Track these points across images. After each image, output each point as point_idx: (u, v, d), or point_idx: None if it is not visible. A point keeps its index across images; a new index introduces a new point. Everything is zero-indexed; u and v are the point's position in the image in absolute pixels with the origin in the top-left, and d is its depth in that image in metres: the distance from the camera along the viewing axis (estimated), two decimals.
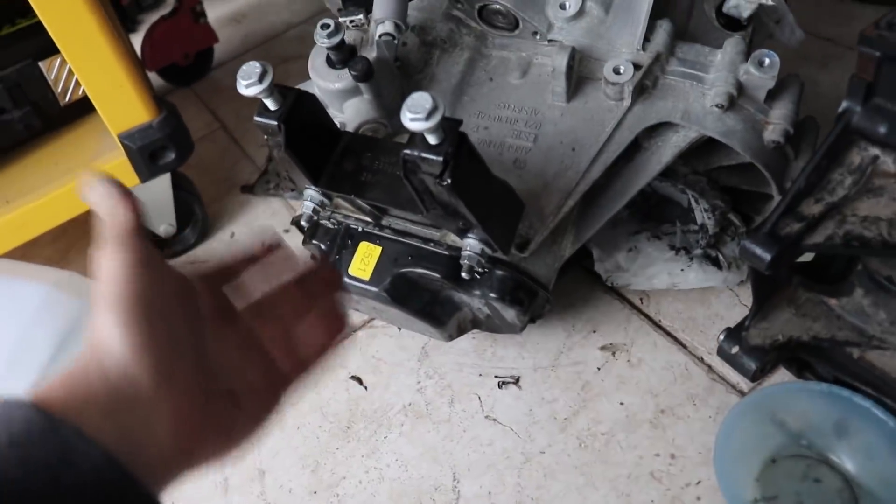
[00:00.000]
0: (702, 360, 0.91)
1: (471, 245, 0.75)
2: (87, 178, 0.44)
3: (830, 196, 0.76)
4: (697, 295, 0.97)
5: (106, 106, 1.07)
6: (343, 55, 0.81)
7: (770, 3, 0.89)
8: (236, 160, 1.42)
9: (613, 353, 0.94)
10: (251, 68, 0.66)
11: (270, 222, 1.25)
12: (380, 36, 0.81)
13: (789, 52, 1.00)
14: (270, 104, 0.69)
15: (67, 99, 1.21)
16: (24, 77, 1.16)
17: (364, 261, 0.84)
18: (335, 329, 0.54)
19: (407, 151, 0.62)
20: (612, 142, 0.81)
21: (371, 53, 0.82)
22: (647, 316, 0.96)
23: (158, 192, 1.18)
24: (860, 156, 0.76)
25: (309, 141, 0.73)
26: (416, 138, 0.62)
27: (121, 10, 1.77)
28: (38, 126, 1.21)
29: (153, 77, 1.62)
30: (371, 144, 0.77)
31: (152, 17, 1.99)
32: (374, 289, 0.82)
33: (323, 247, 0.88)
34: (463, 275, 0.77)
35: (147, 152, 1.11)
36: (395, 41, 0.81)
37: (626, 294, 0.99)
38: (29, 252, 1.29)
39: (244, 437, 0.44)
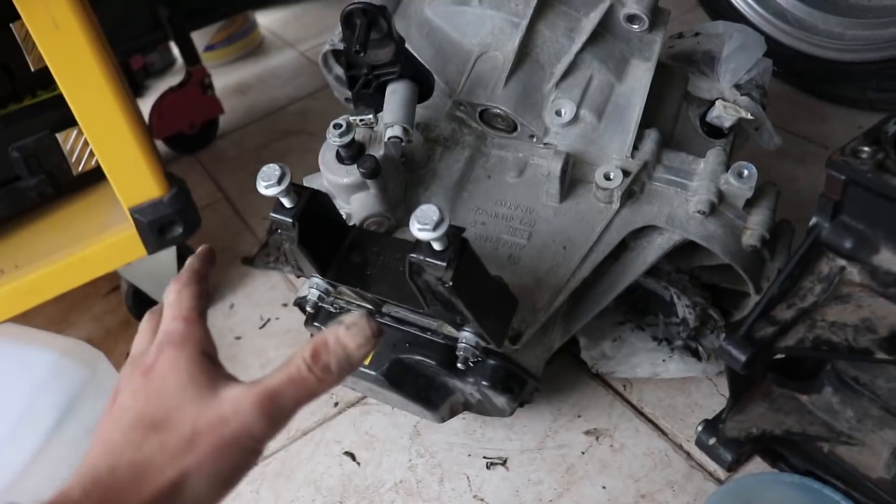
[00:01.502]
0: (681, 447, 0.96)
1: (466, 338, 0.80)
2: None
3: (802, 302, 0.81)
4: (678, 383, 1.02)
5: (120, 182, 1.13)
6: (352, 152, 0.87)
7: (749, 117, 0.96)
8: (237, 231, 1.47)
9: (597, 438, 0.98)
10: (271, 171, 0.72)
11: (270, 295, 1.30)
12: (388, 138, 0.87)
13: (769, 151, 1.08)
14: (286, 202, 0.74)
15: (80, 168, 1.26)
16: (42, 147, 1.21)
17: None
18: None
19: (413, 256, 0.68)
20: (601, 242, 0.87)
21: (378, 151, 0.88)
22: (629, 402, 1.01)
23: (163, 263, 1.23)
24: (829, 266, 0.82)
25: (319, 235, 0.79)
26: (422, 244, 0.67)
27: (130, 75, 1.84)
28: (51, 194, 1.25)
29: (158, 145, 1.68)
30: (377, 240, 0.82)
31: (159, 83, 2.07)
32: (372, 373, 0.87)
33: (324, 329, 0.92)
34: (459, 365, 0.81)
35: (156, 226, 1.16)
36: (403, 143, 0.87)
37: (610, 381, 1.04)
38: (31, 312, 1.32)
39: None
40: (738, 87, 1.04)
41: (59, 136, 1.22)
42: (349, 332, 0.52)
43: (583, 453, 0.97)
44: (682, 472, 0.94)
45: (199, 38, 2.01)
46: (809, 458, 0.88)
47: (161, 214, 1.16)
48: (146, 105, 1.68)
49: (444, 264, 0.67)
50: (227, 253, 1.41)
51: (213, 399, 0.50)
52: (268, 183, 0.71)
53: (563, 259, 0.87)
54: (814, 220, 0.80)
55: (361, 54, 0.83)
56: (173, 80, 1.90)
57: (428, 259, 0.67)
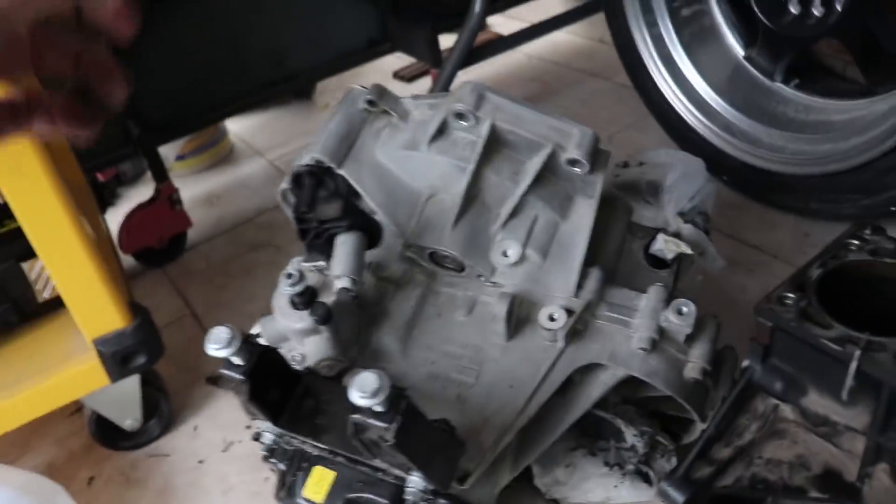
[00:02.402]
0: None
1: (414, 482, 0.82)
2: None
3: (739, 440, 0.84)
4: None
5: (83, 315, 1.15)
6: (305, 299, 0.90)
7: (688, 251, 1.01)
8: (203, 349, 1.48)
9: None
10: (220, 333, 0.75)
11: (234, 417, 1.31)
12: (338, 289, 0.90)
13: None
14: (237, 361, 0.77)
15: (46, 295, 1.28)
16: (7, 277, 1.23)
17: (318, 484, 0.90)
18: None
19: (355, 417, 0.70)
20: (546, 381, 0.90)
21: (331, 297, 0.91)
22: None
23: (126, 390, 1.24)
24: (763, 404, 0.85)
25: (271, 386, 0.81)
26: (363, 408, 0.70)
27: (99, 187, 1.87)
28: (15, 322, 1.27)
29: (126, 258, 1.71)
30: (328, 388, 0.85)
31: (131, 191, 2.11)
32: None
33: (281, 466, 0.94)
34: None
35: (119, 357, 1.17)
36: (352, 292, 0.91)
37: None
38: None
39: None
40: (681, 214, 1.09)
41: (25, 265, 1.25)
42: None
43: None
44: None
45: (170, 147, 2.06)
46: None
47: (124, 345, 1.17)
48: (118, 215, 1.71)
49: (385, 425, 0.69)
50: (191, 373, 1.42)
51: None
52: (217, 346, 0.74)
53: (510, 398, 0.90)
54: (745, 362, 0.84)
55: (310, 213, 0.87)
56: (145, 188, 1.93)
57: (369, 420, 0.70)
